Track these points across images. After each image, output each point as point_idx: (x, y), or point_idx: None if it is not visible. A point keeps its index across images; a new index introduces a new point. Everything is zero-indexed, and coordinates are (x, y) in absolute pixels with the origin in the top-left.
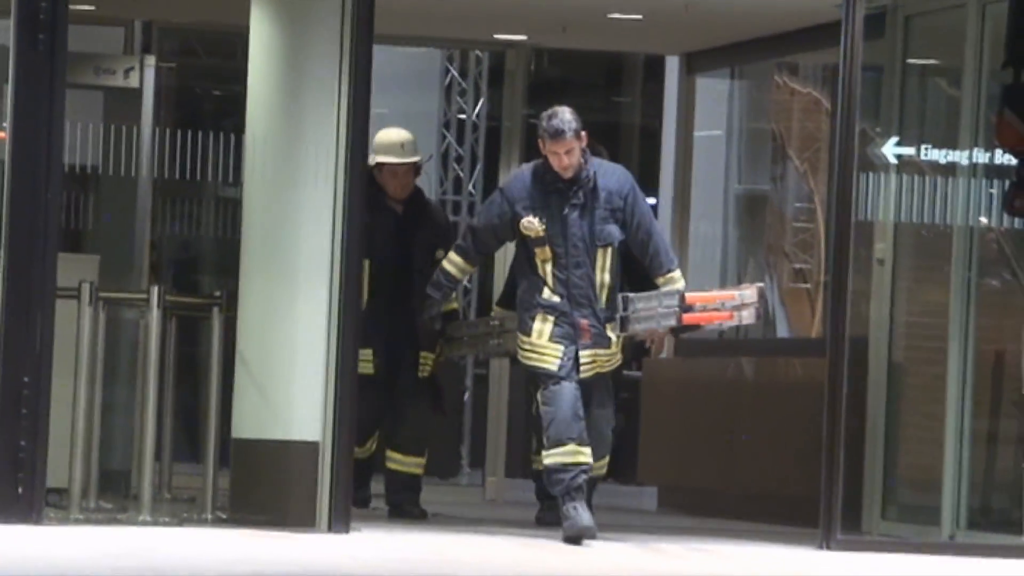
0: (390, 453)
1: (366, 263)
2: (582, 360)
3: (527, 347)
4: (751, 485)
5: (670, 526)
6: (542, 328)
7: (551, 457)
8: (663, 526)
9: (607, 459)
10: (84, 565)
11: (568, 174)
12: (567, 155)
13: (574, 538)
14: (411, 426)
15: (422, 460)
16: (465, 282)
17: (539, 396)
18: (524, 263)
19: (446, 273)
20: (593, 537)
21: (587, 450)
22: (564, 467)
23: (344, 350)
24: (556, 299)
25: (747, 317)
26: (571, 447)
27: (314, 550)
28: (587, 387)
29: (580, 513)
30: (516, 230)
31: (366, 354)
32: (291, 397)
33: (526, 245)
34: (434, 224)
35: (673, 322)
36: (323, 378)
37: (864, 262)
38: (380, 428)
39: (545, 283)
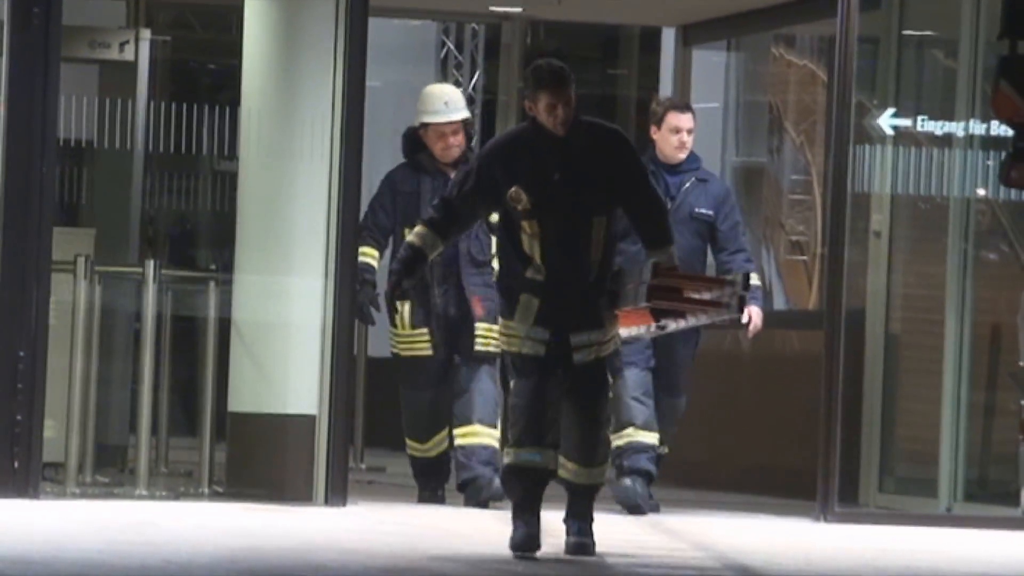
0: (464, 429)
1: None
2: (575, 344)
3: (509, 332)
4: (748, 457)
5: (667, 499)
6: (527, 311)
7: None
8: (660, 499)
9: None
10: (81, 539)
11: (564, 130)
12: (565, 107)
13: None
14: (480, 401)
15: (497, 432)
16: None
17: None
18: (506, 241)
19: (413, 247)
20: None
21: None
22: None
23: (340, 323)
24: (540, 277)
25: (725, 312)
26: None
27: (311, 523)
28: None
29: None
30: (498, 202)
31: (422, 334)
32: (287, 371)
33: (510, 219)
34: None
35: (643, 301)
36: (319, 351)
37: (861, 234)
38: (448, 423)
39: (530, 262)
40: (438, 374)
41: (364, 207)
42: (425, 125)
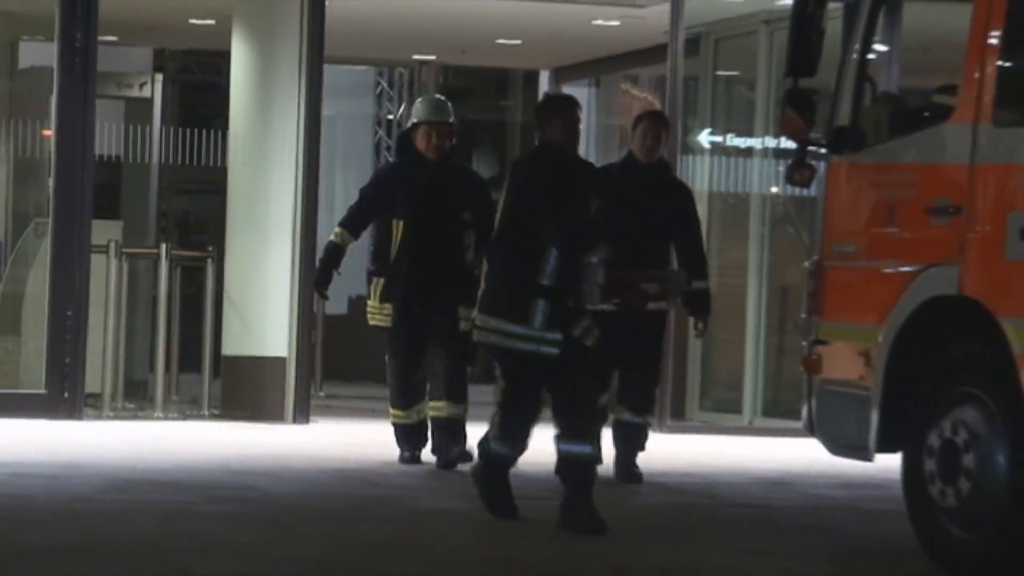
0: (432, 404)
1: (400, 223)
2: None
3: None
4: None
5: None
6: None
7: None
8: None
9: None
10: (114, 450)
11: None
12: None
13: None
14: (450, 379)
15: (465, 406)
16: None
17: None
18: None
19: None
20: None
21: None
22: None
23: (304, 288)
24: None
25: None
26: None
27: (283, 437)
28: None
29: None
30: None
31: (386, 308)
32: (265, 324)
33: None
34: (464, 186)
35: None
36: (288, 309)
37: None
38: (422, 395)
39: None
40: (410, 345)
41: (324, 205)
42: (415, 127)
